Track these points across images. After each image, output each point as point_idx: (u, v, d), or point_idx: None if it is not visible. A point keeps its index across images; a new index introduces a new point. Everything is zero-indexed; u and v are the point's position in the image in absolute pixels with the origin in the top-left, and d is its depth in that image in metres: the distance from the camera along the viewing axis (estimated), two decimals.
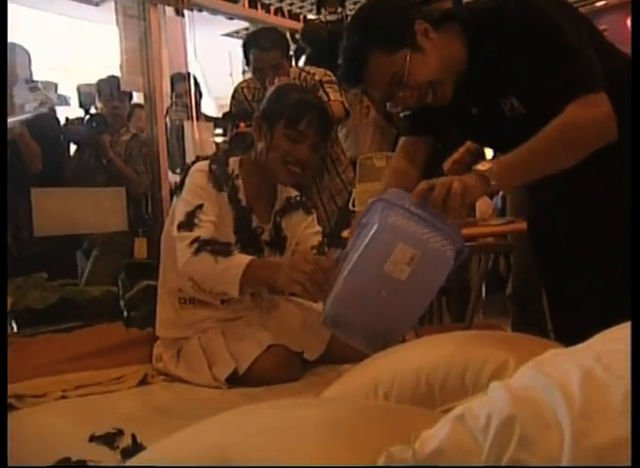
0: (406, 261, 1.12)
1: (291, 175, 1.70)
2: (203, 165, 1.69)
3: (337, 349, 1.72)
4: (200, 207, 1.60)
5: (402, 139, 1.61)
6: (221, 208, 1.66)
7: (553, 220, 1.47)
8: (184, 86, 3.48)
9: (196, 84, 3.67)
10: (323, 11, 2.93)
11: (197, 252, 1.53)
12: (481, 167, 1.19)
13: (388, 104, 1.40)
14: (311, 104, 1.70)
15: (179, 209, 1.62)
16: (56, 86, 3.04)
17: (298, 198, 1.86)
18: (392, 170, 1.59)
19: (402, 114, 1.58)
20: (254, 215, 1.73)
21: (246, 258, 1.54)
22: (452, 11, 1.44)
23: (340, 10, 2.82)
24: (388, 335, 1.23)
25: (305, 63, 3.03)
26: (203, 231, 1.56)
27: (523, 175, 1.28)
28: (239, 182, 1.72)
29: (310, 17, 5.02)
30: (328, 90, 2.69)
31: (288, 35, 2.99)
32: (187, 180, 1.66)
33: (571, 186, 1.36)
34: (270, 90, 1.91)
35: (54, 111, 3.18)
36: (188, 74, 3.57)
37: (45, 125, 3.07)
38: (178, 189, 1.70)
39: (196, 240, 1.54)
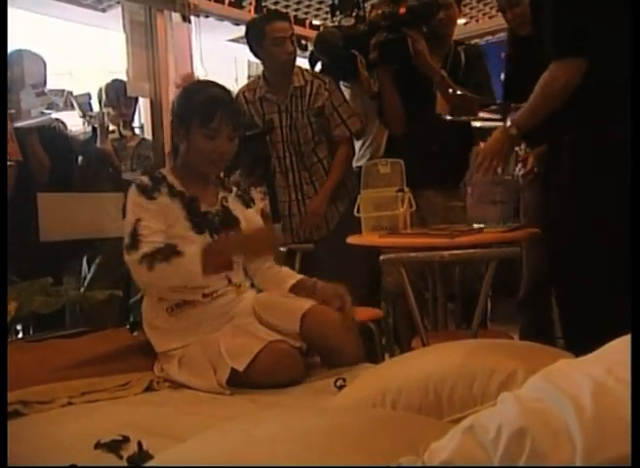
0: None
1: (217, 167, 1.86)
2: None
3: (339, 350, 1.71)
4: (138, 222, 1.68)
5: None
6: (164, 210, 1.73)
7: (567, 211, 1.62)
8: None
9: None
10: (338, 15, 2.86)
11: (150, 267, 1.61)
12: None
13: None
14: (218, 98, 1.78)
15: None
16: (69, 92, 3.02)
17: (238, 192, 1.98)
18: None
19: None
20: (201, 203, 1.81)
21: (197, 247, 1.64)
22: None
23: (354, 13, 2.75)
24: None
25: (321, 73, 2.99)
26: (148, 246, 1.64)
27: (531, 116, 1.80)
28: (172, 179, 1.80)
29: (316, 22, 5.02)
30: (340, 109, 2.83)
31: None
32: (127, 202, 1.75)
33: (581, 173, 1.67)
34: (177, 93, 2.01)
35: (64, 125, 3.18)
36: None
37: (57, 140, 3.08)
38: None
39: (144, 257, 1.62)
